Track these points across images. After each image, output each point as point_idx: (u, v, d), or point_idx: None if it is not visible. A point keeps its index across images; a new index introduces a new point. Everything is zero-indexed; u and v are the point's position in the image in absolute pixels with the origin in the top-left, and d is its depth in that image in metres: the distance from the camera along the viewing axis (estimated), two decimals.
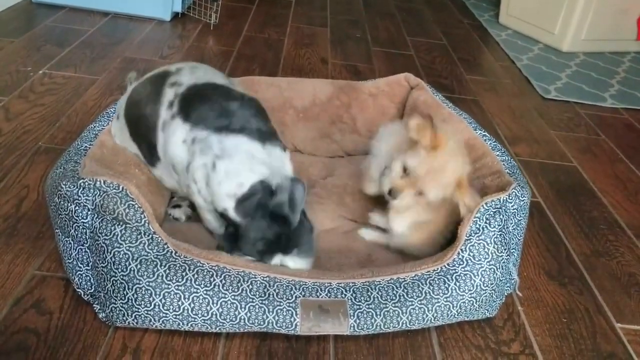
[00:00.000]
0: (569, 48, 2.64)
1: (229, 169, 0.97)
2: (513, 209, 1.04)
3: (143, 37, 2.21)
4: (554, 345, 1.03)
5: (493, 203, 1.00)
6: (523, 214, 1.07)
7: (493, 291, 1.00)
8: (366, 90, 1.49)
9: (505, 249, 1.01)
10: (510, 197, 1.03)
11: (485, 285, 0.98)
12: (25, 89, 1.67)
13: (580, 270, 1.24)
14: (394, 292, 0.95)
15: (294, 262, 0.98)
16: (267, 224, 0.95)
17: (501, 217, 1.01)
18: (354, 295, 0.93)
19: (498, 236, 1.00)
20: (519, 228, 1.07)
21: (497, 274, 0.99)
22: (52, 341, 0.90)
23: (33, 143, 1.42)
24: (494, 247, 0.99)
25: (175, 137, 1.02)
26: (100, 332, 0.93)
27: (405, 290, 0.95)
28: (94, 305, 0.95)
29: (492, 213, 1.00)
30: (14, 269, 1.03)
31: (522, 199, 1.05)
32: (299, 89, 1.48)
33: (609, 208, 1.49)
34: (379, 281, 0.96)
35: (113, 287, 0.91)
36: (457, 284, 0.96)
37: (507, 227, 1.03)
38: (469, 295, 0.97)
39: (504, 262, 1.00)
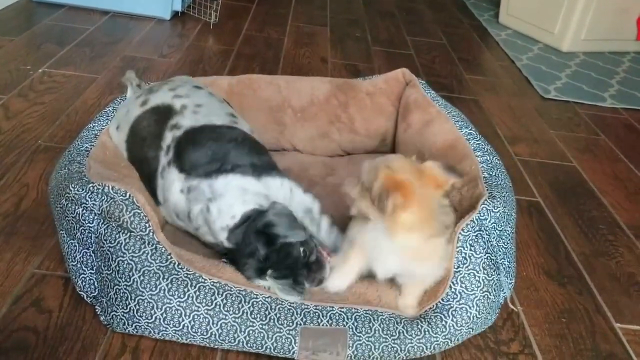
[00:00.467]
0: (569, 48, 2.64)
1: (221, 207, 0.98)
2: (491, 224, 0.99)
3: (143, 35, 2.20)
4: (553, 345, 1.03)
5: (470, 226, 0.96)
6: (504, 222, 1.02)
7: (487, 314, 0.98)
8: (364, 89, 1.49)
9: (494, 269, 0.98)
10: (482, 214, 0.98)
11: (480, 313, 0.96)
12: (25, 88, 1.67)
13: (579, 270, 1.24)
14: (395, 327, 0.93)
15: (268, 283, 0.94)
16: (250, 245, 0.94)
17: (483, 238, 0.97)
18: (355, 324, 0.92)
19: (486, 260, 0.96)
20: (504, 237, 1.03)
21: (490, 297, 0.97)
22: (51, 339, 0.90)
23: (33, 141, 1.42)
24: (484, 273, 0.96)
25: (174, 187, 1.03)
26: (99, 331, 0.93)
27: (405, 328, 0.93)
28: (96, 307, 0.95)
29: (473, 237, 0.96)
30: (13, 267, 1.03)
31: (496, 211, 0.99)
32: (297, 89, 1.47)
33: (608, 208, 1.49)
34: (382, 312, 0.94)
35: (116, 296, 0.91)
36: (454, 319, 0.94)
37: (491, 244, 0.99)
38: (467, 328, 0.95)
39: (495, 284, 0.98)
